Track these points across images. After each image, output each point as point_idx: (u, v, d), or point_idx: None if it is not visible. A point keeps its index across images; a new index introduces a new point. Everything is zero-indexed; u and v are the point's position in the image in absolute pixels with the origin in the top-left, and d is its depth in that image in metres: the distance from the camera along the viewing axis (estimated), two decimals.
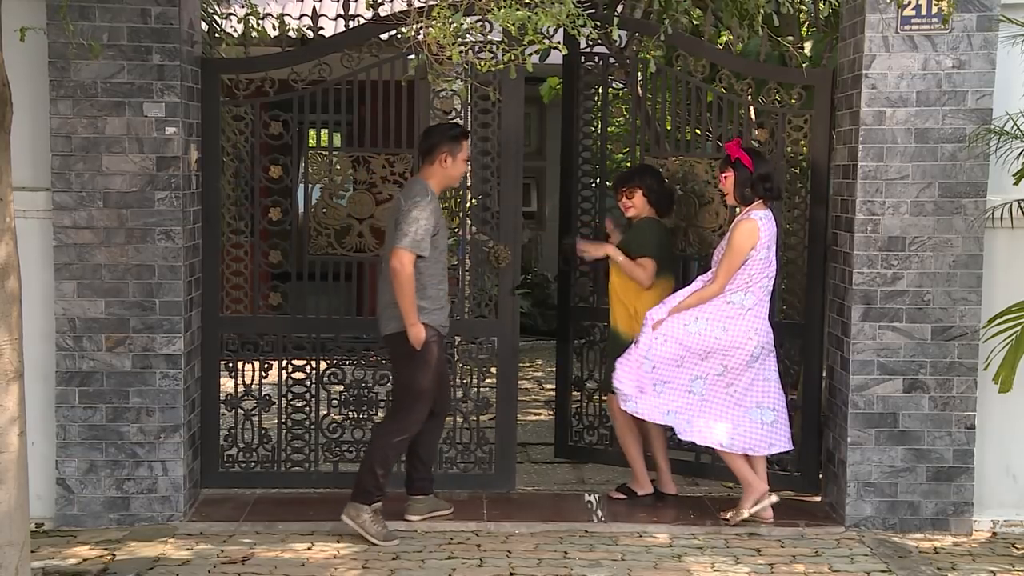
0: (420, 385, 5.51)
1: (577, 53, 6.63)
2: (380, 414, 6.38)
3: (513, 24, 4.41)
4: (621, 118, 7.60)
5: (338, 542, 5.50)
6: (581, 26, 4.62)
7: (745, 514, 5.75)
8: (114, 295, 5.64)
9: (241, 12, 6.87)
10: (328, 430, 6.27)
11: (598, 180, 6.78)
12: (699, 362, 5.74)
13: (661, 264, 6.04)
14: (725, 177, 5.77)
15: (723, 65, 6.26)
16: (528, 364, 10.10)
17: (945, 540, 5.68)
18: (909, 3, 5.53)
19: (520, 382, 6.79)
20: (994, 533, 5.85)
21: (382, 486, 5.52)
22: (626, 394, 5.81)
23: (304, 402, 6.24)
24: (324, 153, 6.33)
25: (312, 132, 7.02)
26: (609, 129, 6.94)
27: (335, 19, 6.23)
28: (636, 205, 6.09)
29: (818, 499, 6.18)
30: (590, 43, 6.43)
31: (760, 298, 5.72)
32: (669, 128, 6.65)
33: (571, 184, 6.74)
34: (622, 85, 7.13)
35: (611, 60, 6.69)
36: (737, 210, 5.86)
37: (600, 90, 6.72)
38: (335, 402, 6.31)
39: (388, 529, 5.52)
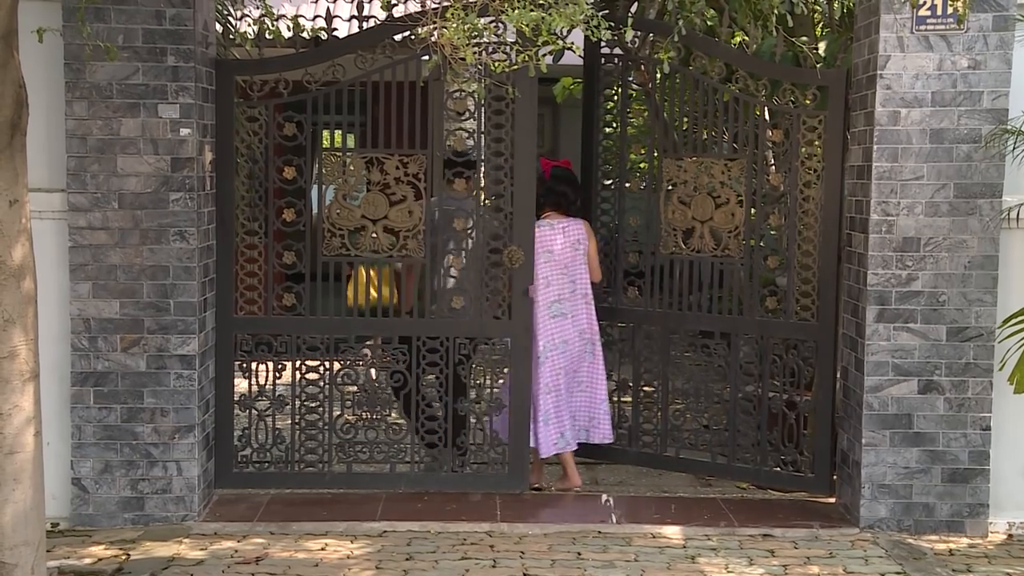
0: None
1: (597, 54, 6.63)
2: (393, 415, 6.39)
3: (527, 25, 4.41)
4: (640, 119, 7.58)
5: (352, 542, 5.51)
6: (595, 27, 4.61)
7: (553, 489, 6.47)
8: (129, 296, 5.66)
9: (255, 13, 6.87)
10: (342, 431, 6.28)
11: (617, 180, 6.77)
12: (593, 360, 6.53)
13: None
14: None
15: (737, 65, 6.25)
16: None
17: (960, 542, 5.65)
18: (924, 3, 5.51)
19: None
20: (1010, 535, 5.83)
21: None
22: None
23: (318, 403, 6.25)
24: (338, 154, 6.34)
25: (326, 133, 7.04)
26: (628, 130, 6.95)
27: (349, 20, 6.23)
28: None
29: (832, 500, 6.16)
30: (610, 44, 6.44)
31: None
32: (677, 127, 6.63)
33: (590, 184, 6.75)
34: (638, 86, 7.14)
35: (630, 61, 6.70)
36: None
37: (619, 90, 6.72)
38: (348, 403, 6.32)
39: None
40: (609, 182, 6.77)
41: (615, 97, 6.77)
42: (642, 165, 7.28)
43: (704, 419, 6.64)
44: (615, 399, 6.73)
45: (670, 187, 6.50)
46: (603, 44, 6.50)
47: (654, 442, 6.62)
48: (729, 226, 6.30)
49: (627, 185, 6.76)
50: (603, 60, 6.71)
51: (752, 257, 6.32)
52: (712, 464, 6.43)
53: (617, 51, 6.63)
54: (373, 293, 6.53)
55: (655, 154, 6.62)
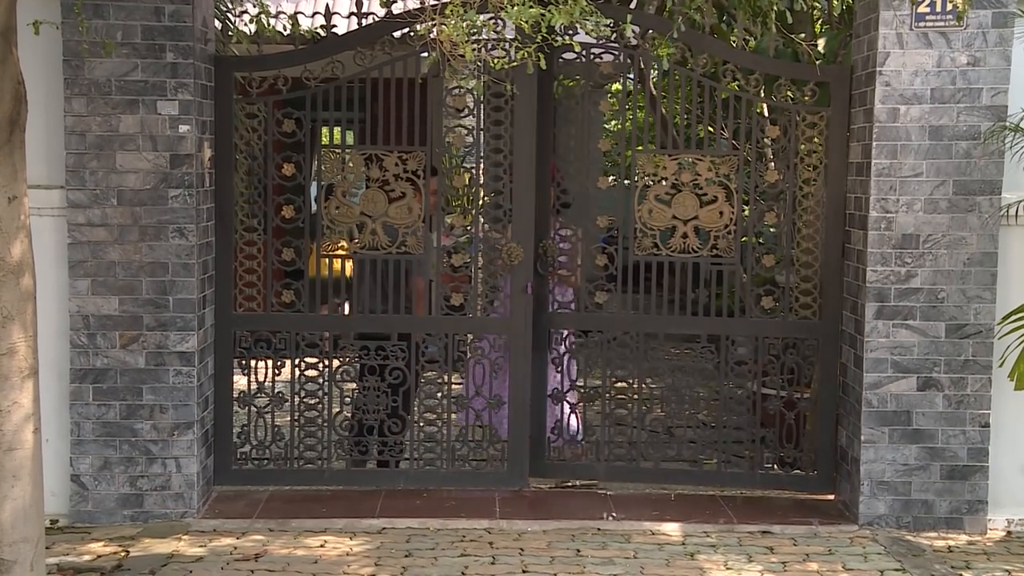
0: None
1: (551, 46, 6.21)
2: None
3: (526, 21, 4.40)
4: (608, 113, 7.22)
5: (351, 539, 5.51)
6: (596, 22, 4.61)
7: None
8: (128, 292, 5.66)
9: (254, 10, 6.86)
10: (341, 428, 6.28)
11: (583, 178, 6.49)
12: None
13: None
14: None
15: (735, 62, 6.17)
16: None
17: (959, 539, 5.66)
18: (923, 0, 5.51)
19: None
20: (1009, 532, 5.83)
21: None
22: None
23: (317, 399, 6.25)
24: (337, 151, 6.33)
25: (325, 130, 7.02)
26: (605, 125, 6.73)
27: (348, 17, 6.23)
28: None
29: (831, 497, 6.16)
30: (567, 33, 6.10)
31: None
32: (653, 122, 6.52)
33: (547, 185, 6.36)
34: (603, 77, 6.76)
35: (592, 53, 6.38)
36: None
37: (581, 86, 6.36)
38: (347, 400, 6.32)
39: None
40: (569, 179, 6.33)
41: (575, 93, 6.38)
42: (616, 162, 7.03)
43: (702, 421, 6.62)
44: (581, 409, 6.57)
45: (649, 184, 6.24)
46: (562, 33, 5.77)
47: (645, 451, 6.53)
48: (717, 224, 6.18)
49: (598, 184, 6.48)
50: (560, 52, 5.98)
51: (747, 256, 6.24)
52: (700, 471, 6.38)
53: (579, 39, 5.87)
54: None
55: (628, 152, 6.38)
